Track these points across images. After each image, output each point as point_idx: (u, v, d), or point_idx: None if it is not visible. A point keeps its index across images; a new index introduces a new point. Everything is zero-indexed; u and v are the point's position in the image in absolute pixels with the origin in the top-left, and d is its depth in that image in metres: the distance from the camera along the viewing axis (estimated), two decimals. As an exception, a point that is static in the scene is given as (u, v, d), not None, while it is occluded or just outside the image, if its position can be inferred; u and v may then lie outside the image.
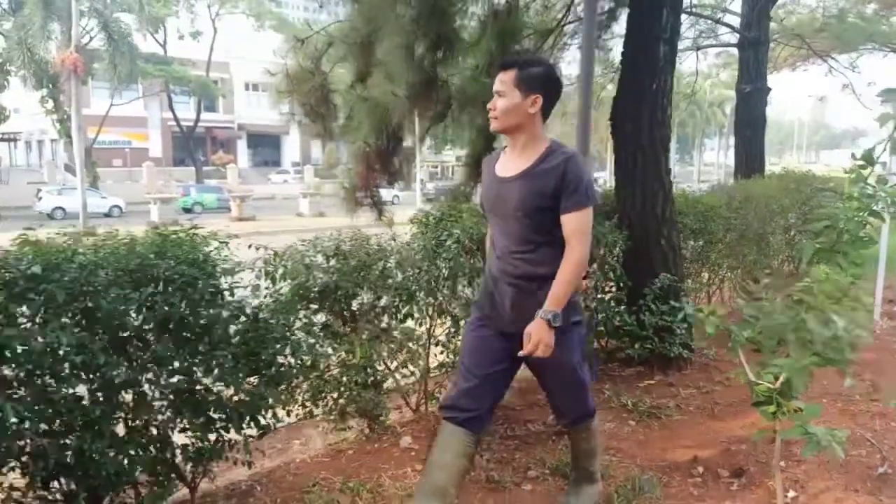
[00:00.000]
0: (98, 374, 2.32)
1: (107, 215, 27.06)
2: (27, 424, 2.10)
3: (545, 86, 2.36)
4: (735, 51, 9.41)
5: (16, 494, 2.28)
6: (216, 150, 45.30)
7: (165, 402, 2.62)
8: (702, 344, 4.86)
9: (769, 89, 8.28)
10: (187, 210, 29.30)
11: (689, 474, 3.24)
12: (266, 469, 3.39)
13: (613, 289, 4.68)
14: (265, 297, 3.16)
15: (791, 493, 3.02)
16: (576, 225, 2.30)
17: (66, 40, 20.56)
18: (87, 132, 31.87)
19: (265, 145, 49.93)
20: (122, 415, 2.50)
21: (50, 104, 29.79)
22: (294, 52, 6.52)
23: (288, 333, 3.07)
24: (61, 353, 2.21)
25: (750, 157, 8.13)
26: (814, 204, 7.45)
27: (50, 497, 2.35)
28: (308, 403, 3.43)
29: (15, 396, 2.13)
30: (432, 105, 4.82)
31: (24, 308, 2.21)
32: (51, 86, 28.14)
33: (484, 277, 2.64)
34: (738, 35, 8.40)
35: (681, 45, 9.30)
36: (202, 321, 2.64)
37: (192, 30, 35.30)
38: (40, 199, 28.13)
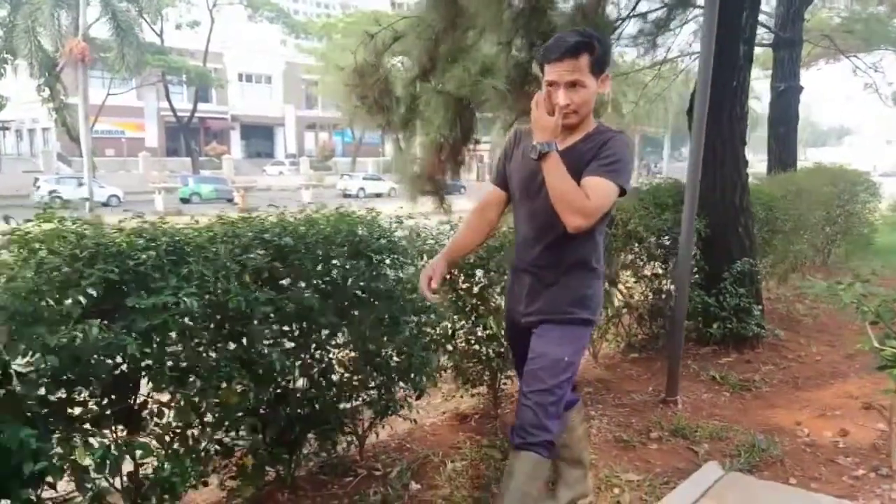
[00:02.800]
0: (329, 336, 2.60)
1: (105, 204, 26.92)
2: (288, 372, 2.37)
3: (609, 60, 2.13)
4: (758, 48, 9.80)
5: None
6: (209, 141, 45.12)
7: (361, 363, 2.89)
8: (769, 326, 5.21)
9: (802, 88, 8.69)
10: (185, 200, 29.27)
11: (796, 436, 3.58)
12: (403, 431, 3.66)
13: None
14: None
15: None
16: (595, 187, 2.01)
17: (73, 29, 20.50)
18: (77, 121, 31.71)
19: (258, 136, 49.82)
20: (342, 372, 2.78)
21: (47, 92, 29.58)
22: (363, 46, 6.76)
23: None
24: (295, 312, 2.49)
25: (784, 152, 8.54)
26: (848, 198, 7.88)
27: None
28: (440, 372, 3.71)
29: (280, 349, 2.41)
30: (526, 98, 5.09)
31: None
32: (47, 73, 27.99)
33: (510, 268, 2.49)
34: (772, 34, 8.76)
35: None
36: (391, 292, 2.91)
37: (190, 19, 35.19)
38: (38, 187, 27.95)
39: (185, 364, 2.19)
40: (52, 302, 1.97)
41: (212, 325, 2.29)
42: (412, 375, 3.11)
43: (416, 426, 3.70)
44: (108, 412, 2.14)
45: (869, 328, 3.06)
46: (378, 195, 35.84)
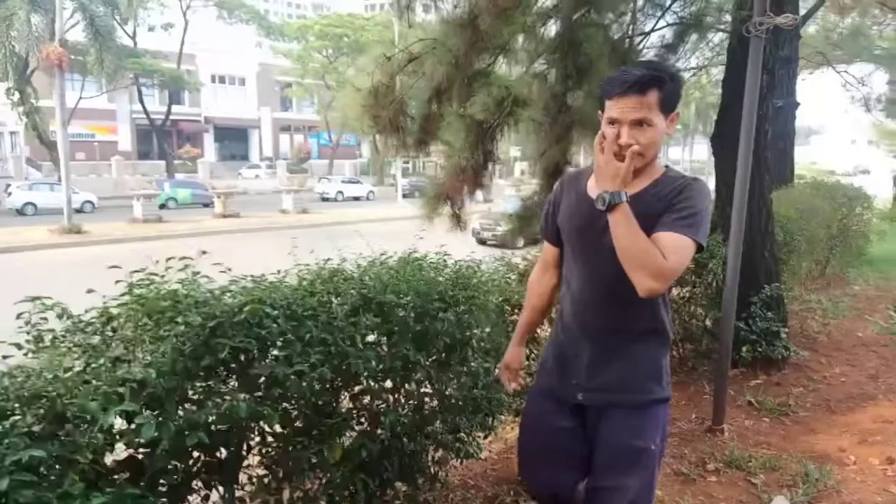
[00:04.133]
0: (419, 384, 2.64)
1: (79, 211, 26.30)
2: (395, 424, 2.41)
3: (680, 97, 1.90)
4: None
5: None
6: (182, 144, 44.50)
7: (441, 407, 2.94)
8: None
9: (798, 104, 8.93)
10: (161, 206, 28.81)
11: (843, 463, 3.70)
12: (461, 465, 3.69)
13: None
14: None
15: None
16: (672, 244, 1.74)
17: (47, 34, 20.08)
18: (48, 125, 31.04)
19: (232, 139, 49.28)
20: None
21: (16, 96, 28.90)
22: (380, 67, 6.77)
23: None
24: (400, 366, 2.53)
25: (784, 168, 8.77)
26: (846, 211, 8.12)
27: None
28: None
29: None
30: (560, 128, 5.17)
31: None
32: (17, 77, 27.34)
33: (552, 335, 2.14)
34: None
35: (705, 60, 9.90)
36: (467, 335, 2.96)
37: (164, 21, 34.70)
38: (10, 194, 27.29)
39: (303, 424, 2.22)
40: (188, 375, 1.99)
41: (328, 387, 2.31)
42: (483, 415, 3.16)
43: (473, 462, 3.74)
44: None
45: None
46: (357, 198, 35.78)
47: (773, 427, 4.20)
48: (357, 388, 2.41)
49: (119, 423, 1.83)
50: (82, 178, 35.66)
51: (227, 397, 1.95)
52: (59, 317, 2.34)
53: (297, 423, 2.22)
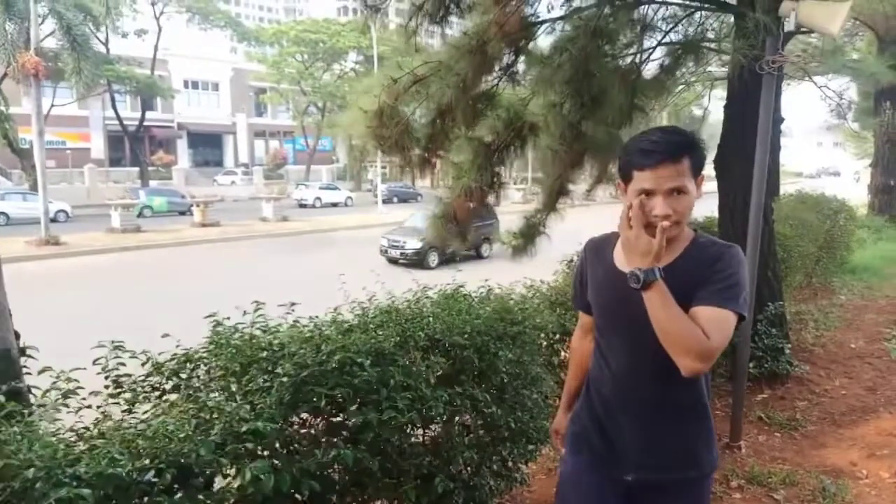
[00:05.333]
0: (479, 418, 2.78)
1: (53, 220, 25.90)
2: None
3: (705, 159, 1.83)
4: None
5: None
6: (155, 150, 43.93)
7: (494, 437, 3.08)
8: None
9: (783, 119, 9.24)
10: (137, 215, 28.45)
11: (856, 477, 3.93)
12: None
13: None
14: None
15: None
16: (714, 321, 1.63)
17: (22, 41, 19.76)
18: (17, 132, 30.49)
19: (206, 145, 48.77)
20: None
21: (-15, 104, 28.34)
22: (386, 90, 6.89)
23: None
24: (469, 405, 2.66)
25: (771, 182, 9.05)
26: (831, 224, 8.44)
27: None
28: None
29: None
30: (575, 154, 5.35)
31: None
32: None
33: (586, 403, 1.99)
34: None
35: (693, 76, 10.20)
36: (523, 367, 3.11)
37: (137, 28, 34.27)
38: (-19, 202, 26.80)
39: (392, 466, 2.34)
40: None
41: (409, 429, 2.44)
42: (526, 443, 3.31)
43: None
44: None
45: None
46: (335, 204, 35.70)
47: (786, 442, 4.42)
48: (434, 429, 2.54)
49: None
50: (54, 186, 34.91)
51: (330, 446, 2.06)
52: (143, 363, 2.45)
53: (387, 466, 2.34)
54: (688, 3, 6.18)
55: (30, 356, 2.47)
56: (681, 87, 8.76)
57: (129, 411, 2.20)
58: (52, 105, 31.66)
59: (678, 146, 1.71)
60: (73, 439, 1.83)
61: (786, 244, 6.08)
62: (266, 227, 25.30)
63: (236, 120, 48.08)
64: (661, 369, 1.72)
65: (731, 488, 3.80)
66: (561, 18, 5.94)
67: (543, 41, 6.04)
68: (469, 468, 2.79)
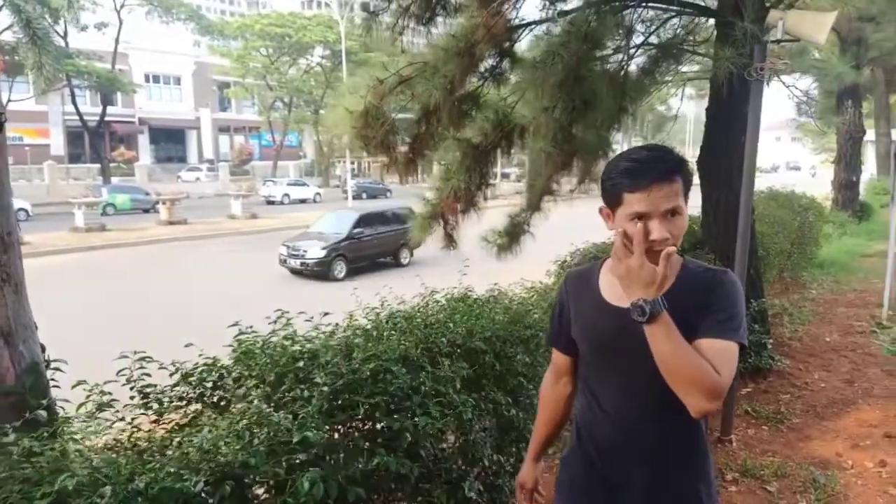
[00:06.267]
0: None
1: (12, 219, 25.29)
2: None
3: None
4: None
5: None
6: (116, 146, 43.02)
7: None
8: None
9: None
10: (101, 213, 27.84)
11: (843, 468, 4.11)
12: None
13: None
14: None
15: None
16: (722, 355, 1.54)
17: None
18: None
19: (169, 140, 47.91)
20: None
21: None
22: (373, 90, 6.91)
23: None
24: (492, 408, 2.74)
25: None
26: (801, 220, 8.72)
27: None
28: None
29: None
30: (566, 155, 5.44)
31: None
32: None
33: (579, 448, 1.84)
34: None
35: (669, 76, 10.40)
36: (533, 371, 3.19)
37: (97, 21, 33.46)
38: (-65, 202, 25.88)
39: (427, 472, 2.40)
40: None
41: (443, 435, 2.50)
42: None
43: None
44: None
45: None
46: (303, 201, 35.43)
47: (773, 435, 4.59)
48: (461, 433, 2.60)
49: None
50: (12, 183, 34.02)
51: (371, 453, 2.11)
52: (172, 374, 2.47)
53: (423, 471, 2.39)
54: (670, 7, 6.31)
55: (57, 369, 2.46)
56: (660, 87, 8.94)
57: (157, 422, 2.23)
58: (9, 100, 30.74)
59: (670, 165, 1.58)
60: (129, 454, 1.85)
61: (763, 241, 6.29)
62: (235, 225, 25.01)
63: (200, 115, 47.31)
64: (660, 406, 1.62)
65: (726, 481, 3.95)
66: (546, 21, 6.04)
67: (532, 45, 6.14)
68: (493, 469, 2.87)
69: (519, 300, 3.66)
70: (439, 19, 6.41)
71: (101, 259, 17.44)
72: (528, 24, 6.17)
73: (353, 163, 42.61)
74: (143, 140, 45.89)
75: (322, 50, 42.44)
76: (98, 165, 36.67)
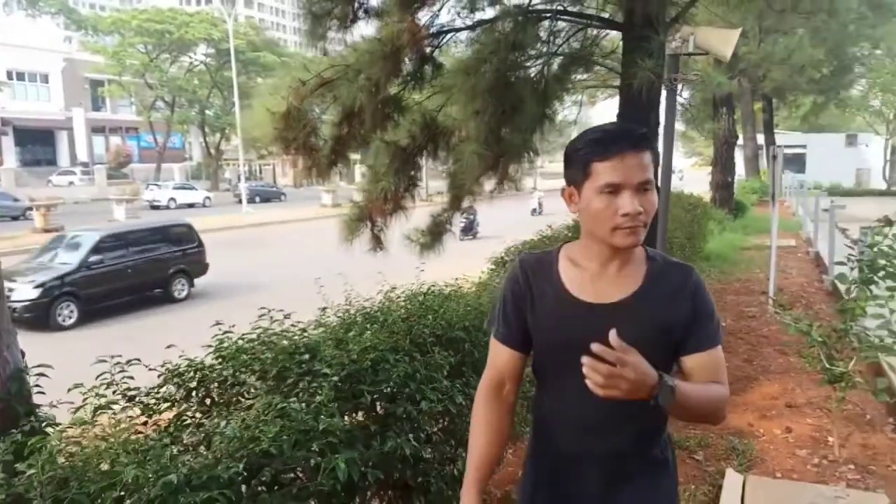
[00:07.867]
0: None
1: None
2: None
3: None
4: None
5: None
6: (-25, 148, 39.51)
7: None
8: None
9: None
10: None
11: (755, 436, 4.59)
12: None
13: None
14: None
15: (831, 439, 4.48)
16: (719, 367, 1.54)
17: None
18: None
19: (37, 142, 44.38)
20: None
21: None
22: (294, 92, 6.89)
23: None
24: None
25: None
26: (691, 218, 9.49)
27: None
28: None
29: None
30: (493, 157, 5.68)
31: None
32: None
33: (538, 460, 1.72)
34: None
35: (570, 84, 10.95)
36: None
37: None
38: None
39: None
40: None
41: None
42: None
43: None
44: None
45: (821, 352, 4.10)
46: (191, 205, 33.98)
47: (692, 411, 5.04)
48: (448, 418, 2.75)
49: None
50: None
51: (383, 438, 2.23)
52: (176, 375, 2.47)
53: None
54: (580, 21, 6.70)
55: (41, 374, 2.39)
56: (572, 93, 9.44)
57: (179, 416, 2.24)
58: None
59: (640, 136, 1.47)
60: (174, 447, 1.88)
61: (672, 239, 6.83)
62: (119, 231, 23.63)
63: (72, 115, 44.21)
64: (633, 415, 1.49)
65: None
66: (467, 28, 6.27)
67: (460, 51, 6.36)
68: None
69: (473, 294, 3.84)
70: (361, 23, 6.51)
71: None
72: (451, 30, 6.38)
73: (245, 165, 41.37)
74: (8, 142, 42.30)
75: (206, 48, 40.96)
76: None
